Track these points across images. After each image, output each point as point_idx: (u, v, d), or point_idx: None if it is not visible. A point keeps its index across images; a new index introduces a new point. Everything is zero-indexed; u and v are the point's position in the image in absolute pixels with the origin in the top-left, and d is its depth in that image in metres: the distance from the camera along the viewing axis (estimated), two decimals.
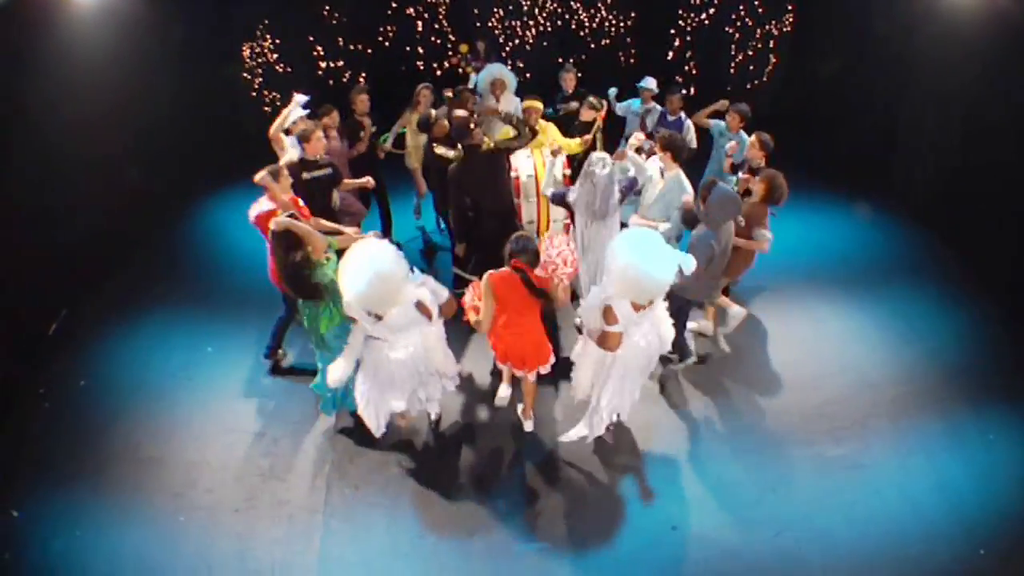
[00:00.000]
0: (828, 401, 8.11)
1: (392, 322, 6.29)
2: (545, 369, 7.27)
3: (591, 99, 10.31)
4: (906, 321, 9.34)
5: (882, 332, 9.17)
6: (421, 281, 6.60)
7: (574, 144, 9.70)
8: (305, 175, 8.43)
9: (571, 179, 9.06)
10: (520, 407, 7.86)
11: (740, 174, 8.94)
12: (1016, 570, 6.39)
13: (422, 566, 6.46)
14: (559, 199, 8.34)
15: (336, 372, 6.59)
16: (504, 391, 8.11)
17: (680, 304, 7.79)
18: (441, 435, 7.80)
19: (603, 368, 6.85)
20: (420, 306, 6.37)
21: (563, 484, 7.24)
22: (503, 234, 7.13)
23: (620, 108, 11.36)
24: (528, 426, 7.77)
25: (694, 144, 10.56)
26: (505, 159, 8.88)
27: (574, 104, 11.01)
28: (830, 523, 6.77)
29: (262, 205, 7.69)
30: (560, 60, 12.51)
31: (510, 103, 11.06)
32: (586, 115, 10.27)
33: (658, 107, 11.11)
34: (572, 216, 8.59)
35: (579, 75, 11.58)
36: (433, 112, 9.40)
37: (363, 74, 13.54)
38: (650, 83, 11.15)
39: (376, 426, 6.99)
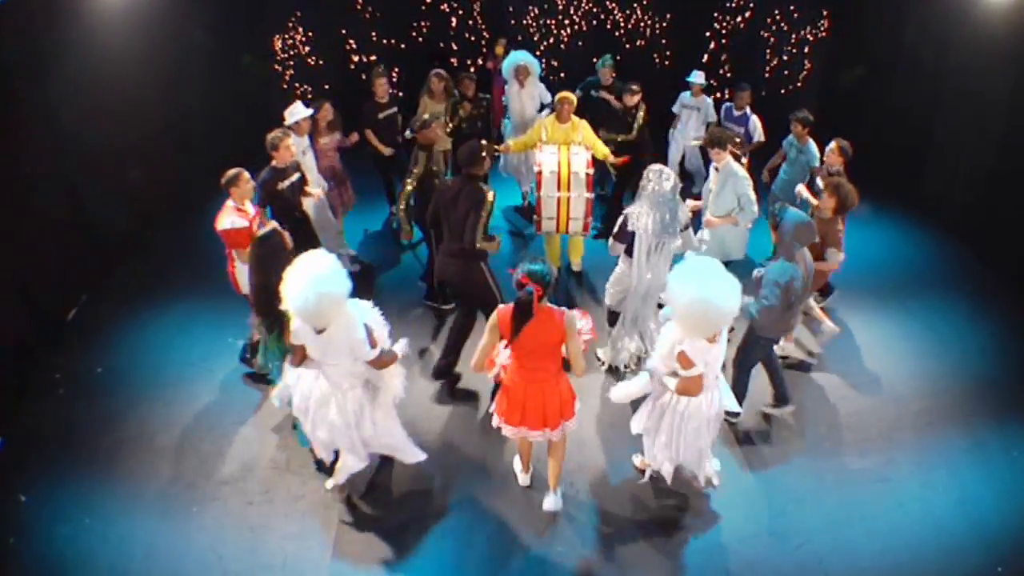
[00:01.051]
0: (854, 412, 8.05)
1: (331, 339, 5.93)
2: (572, 425, 6.46)
3: (632, 85, 10.61)
4: (935, 334, 9.28)
5: (910, 344, 9.11)
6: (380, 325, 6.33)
7: (603, 148, 9.79)
8: (280, 185, 8.44)
9: (593, 177, 9.10)
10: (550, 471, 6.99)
11: (819, 180, 8.91)
12: None
13: (435, 565, 6.44)
14: (626, 237, 7.79)
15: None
16: (524, 479, 7.17)
17: (762, 347, 7.52)
18: (461, 434, 7.76)
19: (658, 415, 6.49)
20: (369, 331, 5.99)
21: (581, 488, 7.19)
22: (447, 273, 7.24)
23: (676, 107, 11.91)
24: (549, 504, 6.89)
25: (762, 137, 10.95)
26: (479, 197, 7.79)
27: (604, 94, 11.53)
28: (853, 535, 6.71)
29: (230, 216, 7.72)
30: (595, 60, 12.51)
31: (535, 89, 11.30)
32: (630, 100, 10.60)
33: (708, 99, 11.65)
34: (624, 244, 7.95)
35: (615, 72, 11.77)
36: (426, 117, 9.04)
37: (396, 69, 13.52)
38: (698, 77, 11.51)
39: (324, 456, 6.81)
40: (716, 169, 8.69)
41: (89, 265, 9.53)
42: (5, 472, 7.23)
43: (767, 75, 14.60)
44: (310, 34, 14.56)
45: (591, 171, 8.97)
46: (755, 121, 10.95)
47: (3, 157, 8.18)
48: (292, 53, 14.37)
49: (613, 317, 8.54)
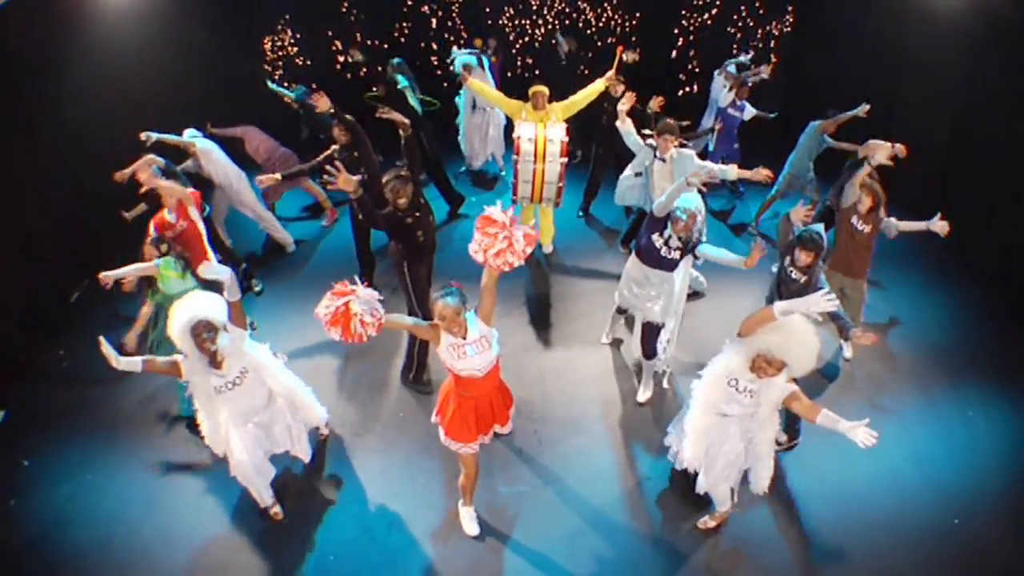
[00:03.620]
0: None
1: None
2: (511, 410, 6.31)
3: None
4: (889, 303, 9.54)
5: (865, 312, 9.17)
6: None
7: (592, 88, 9.94)
8: None
9: (568, 145, 9.40)
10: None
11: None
12: (990, 540, 6.57)
13: (413, 503, 6.84)
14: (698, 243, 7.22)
15: None
16: (472, 527, 6.63)
17: None
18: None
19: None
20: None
21: (544, 439, 7.54)
22: None
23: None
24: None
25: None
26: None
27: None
28: (801, 480, 7.01)
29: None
30: (563, 62, 13.05)
31: (481, 79, 11.64)
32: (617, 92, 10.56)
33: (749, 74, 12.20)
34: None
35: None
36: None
37: (379, 67, 13.91)
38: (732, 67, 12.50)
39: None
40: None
41: (91, 251, 9.85)
42: (11, 439, 7.65)
43: None
44: (298, 36, 15.06)
45: (566, 138, 9.32)
46: (750, 109, 11.53)
47: (13, 151, 8.61)
48: (281, 54, 14.80)
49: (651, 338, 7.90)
